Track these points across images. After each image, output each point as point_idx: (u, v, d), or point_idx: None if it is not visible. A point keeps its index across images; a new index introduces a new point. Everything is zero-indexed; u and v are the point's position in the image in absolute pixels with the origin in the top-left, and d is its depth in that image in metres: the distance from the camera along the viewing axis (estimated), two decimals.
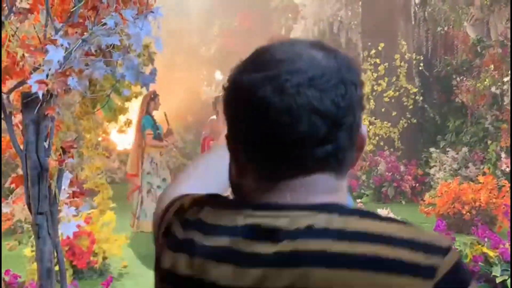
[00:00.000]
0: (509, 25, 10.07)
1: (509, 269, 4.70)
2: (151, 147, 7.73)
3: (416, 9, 12.50)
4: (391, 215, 5.30)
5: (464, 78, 11.24)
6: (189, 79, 16.67)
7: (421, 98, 11.91)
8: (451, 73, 11.93)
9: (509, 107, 9.59)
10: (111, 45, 2.26)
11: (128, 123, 4.54)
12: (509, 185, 7.52)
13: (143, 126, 7.64)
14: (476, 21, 11.15)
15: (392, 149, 11.32)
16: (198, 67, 17.38)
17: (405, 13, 11.95)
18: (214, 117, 8.52)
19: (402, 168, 10.63)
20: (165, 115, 8.13)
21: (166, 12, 2.36)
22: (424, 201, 7.83)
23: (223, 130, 0.92)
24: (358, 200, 5.91)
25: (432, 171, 10.44)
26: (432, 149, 10.80)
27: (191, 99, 16.27)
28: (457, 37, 12.03)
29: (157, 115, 8.12)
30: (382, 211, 5.36)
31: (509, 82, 9.73)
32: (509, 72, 9.61)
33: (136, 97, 3.08)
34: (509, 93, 9.80)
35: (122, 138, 11.39)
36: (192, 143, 15.78)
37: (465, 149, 10.17)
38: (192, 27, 17.25)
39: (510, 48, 10.19)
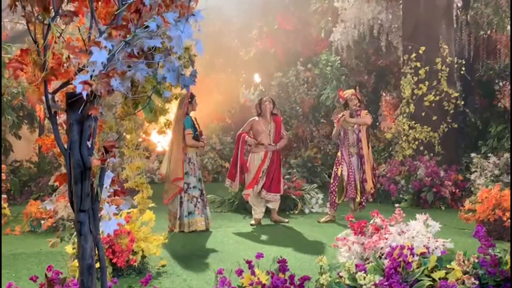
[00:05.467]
0: None
1: None
2: (190, 147, 7.87)
3: (459, 12, 12.32)
4: (430, 221, 5.21)
5: (507, 83, 11.04)
6: (228, 81, 16.75)
7: (462, 102, 11.75)
8: (494, 78, 11.74)
9: None
10: (153, 48, 2.31)
11: (168, 124, 4.59)
12: None
13: (184, 126, 7.81)
14: None
15: (432, 154, 11.19)
16: (237, 69, 17.43)
17: (447, 16, 11.78)
18: (256, 118, 8.71)
19: (442, 173, 10.50)
20: (195, 119, 8.27)
21: (206, 14, 2.40)
22: (464, 207, 7.69)
23: None
24: (397, 205, 5.82)
25: (472, 176, 10.29)
26: (473, 155, 10.65)
27: (230, 101, 16.34)
28: (500, 41, 11.83)
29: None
30: (421, 217, 5.27)
31: None
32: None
33: (176, 98, 3.12)
34: None
35: (161, 139, 11.52)
36: (230, 145, 15.86)
37: (507, 155, 10.01)
38: (231, 29, 17.32)
39: (510, 50, 10.00)
